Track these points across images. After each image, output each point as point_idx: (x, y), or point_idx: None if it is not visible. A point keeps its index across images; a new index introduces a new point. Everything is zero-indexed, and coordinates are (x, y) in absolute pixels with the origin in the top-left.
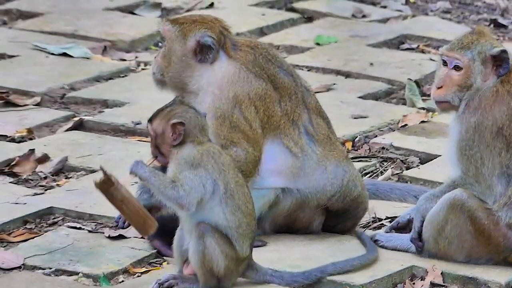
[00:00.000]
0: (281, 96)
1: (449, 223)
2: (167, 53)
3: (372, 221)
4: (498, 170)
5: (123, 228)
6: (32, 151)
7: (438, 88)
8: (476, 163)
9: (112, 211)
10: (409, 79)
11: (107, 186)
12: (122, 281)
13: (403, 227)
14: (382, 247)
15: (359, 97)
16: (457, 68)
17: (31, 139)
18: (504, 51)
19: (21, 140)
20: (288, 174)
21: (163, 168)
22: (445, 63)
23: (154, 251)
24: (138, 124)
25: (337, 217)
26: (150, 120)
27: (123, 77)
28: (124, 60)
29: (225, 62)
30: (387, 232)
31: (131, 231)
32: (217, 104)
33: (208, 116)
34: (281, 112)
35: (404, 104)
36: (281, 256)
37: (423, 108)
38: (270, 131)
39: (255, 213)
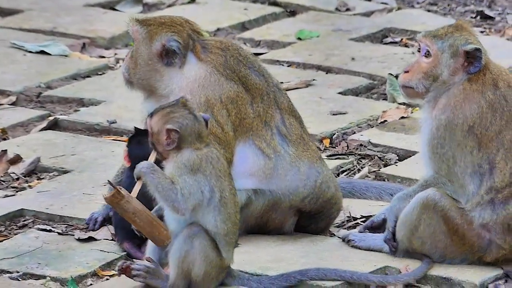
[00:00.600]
0: (253, 98)
1: (422, 223)
2: (134, 54)
3: (347, 220)
4: (470, 169)
5: (93, 230)
6: (4, 151)
7: (405, 72)
8: (448, 161)
9: (83, 213)
10: (390, 74)
11: (117, 200)
12: (91, 284)
13: (377, 227)
14: (355, 247)
15: (339, 93)
16: (427, 55)
17: (4, 139)
18: (478, 49)
19: None
20: (260, 176)
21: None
22: (419, 50)
23: (124, 253)
24: (113, 123)
25: (310, 218)
26: (151, 115)
27: (100, 74)
28: (103, 57)
29: (196, 66)
30: (361, 232)
31: (101, 233)
32: None
33: None
34: (254, 113)
35: (385, 99)
36: (251, 258)
37: (404, 104)
38: (242, 133)
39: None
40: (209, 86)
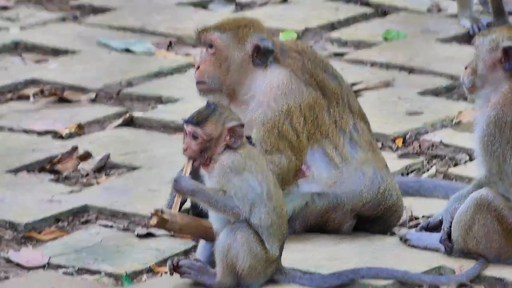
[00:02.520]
0: (330, 102)
1: (476, 223)
2: (222, 61)
3: (409, 220)
4: None
5: None
6: (75, 148)
7: (465, 68)
8: (498, 159)
9: (146, 210)
10: None
11: (163, 225)
12: (145, 280)
13: (434, 227)
14: (412, 246)
15: (418, 93)
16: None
17: (79, 135)
18: (511, 48)
19: (69, 137)
20: (326, 181)
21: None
22: None
23: (181, 250)
24: None
25: (368, 222)
26: (199, 124)
27: (183, 73)
28: (189, 55)
29: (276, 69)
30: (417, 232)
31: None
32: (270, 115)
33: (256, 122)
34: (329, 120)
35: (465, 99)
36: (306, 256)
37: None
38: (316, 140)
39: (287, 216)
40: (290, 93)
